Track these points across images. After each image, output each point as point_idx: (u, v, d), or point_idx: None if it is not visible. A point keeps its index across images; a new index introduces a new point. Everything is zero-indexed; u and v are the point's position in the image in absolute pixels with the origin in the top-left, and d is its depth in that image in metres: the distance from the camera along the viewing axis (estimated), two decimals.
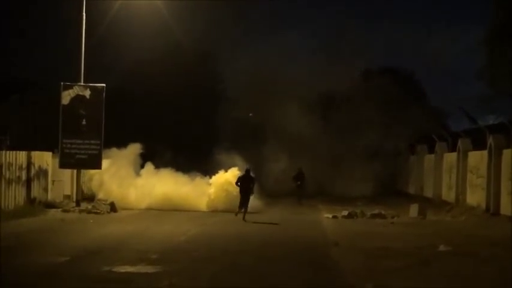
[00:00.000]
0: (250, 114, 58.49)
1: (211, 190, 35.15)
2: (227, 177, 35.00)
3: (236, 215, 29.97)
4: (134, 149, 36.87)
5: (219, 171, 35.82)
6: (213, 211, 33.62)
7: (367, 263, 18.19)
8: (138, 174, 36.47)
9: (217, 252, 20.01)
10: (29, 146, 33.36)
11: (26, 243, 20.89)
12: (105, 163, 34.42)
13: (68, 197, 34.88)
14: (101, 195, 34.49)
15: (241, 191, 30.31)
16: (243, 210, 29.94)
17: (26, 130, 40.19)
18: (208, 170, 36.88)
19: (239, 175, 31.73)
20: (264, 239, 23.30)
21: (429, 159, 44.34)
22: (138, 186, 35.41)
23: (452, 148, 39.00)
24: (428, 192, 43.02)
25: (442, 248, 20.42)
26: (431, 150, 44.15)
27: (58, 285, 15.08)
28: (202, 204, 34.80)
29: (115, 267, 16.75)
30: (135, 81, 49.10)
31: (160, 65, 49.33)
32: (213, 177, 35.72)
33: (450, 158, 38.77)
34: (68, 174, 35.05)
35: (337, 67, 50.14)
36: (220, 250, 20.43)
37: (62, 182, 34.99)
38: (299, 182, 41.08)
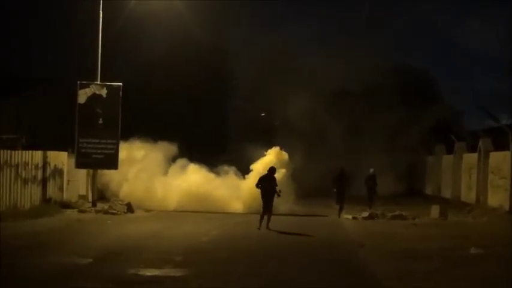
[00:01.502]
0: (263, 114, 58.19)
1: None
2: (271, 160, 33.93)
3: (259, 227, 25.52)
4: (164, 147, 36.24)
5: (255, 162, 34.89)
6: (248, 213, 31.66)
7: (398, 265, 17.74)
8: (166, 172, 35.94)
9: (241, 254, 19.61)
10: (43, 144, 32.99)
11: (46, 243, 20.51)
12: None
13: (83, 197, 34.54)
14: (121, 196, 33.58)
15: (263, 194, 26.14)
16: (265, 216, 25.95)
17: (40, 128, 39.76)
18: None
19: (261, 176, 27.27)
20: (286, 241, 22.88)
21: (447, 159, 43.86)
22: (164, 186, 34.73)
23: (472, 148, 38.52)
24: (446, 193, 42.54)
25: (473, 250, 19.90)
26: (449, 151, 43.64)
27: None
28: (237, 204, 33.75)
29: (140, 269, 16.33)
30: (149, 77, 48.69)
31: (174, 61, 48.98)
32: (253, 166, 34.61)
33: (470, 158, 38.27)
34: (82, 173, 34.71)
35: (352, 63, 49.62)
36: (244, 252, 20.04)
37: (77, 181, 34.60)
38: (339, 187, 32.57)
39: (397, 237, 23.79)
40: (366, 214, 31.53)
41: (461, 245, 21.15)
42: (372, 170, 35.20)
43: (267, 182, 26.14)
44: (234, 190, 34.34)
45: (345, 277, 16.37)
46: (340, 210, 32.08)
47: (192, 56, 50.90)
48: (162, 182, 34.93)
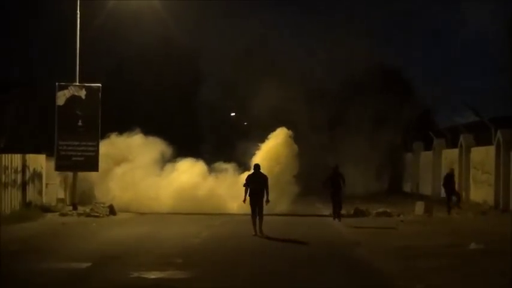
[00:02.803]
0: (232, 114, 57.97)
1: None
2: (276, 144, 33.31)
3: (254, 233, 23.15)
4: (155, 146, 35.73)
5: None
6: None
7: (402, 263, 17.46)
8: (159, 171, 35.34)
9: (240, 255, 19.30)
10: (19, 147, 32.40)
11: (39, 248, 20.08)
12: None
13: (61, 200, 33.96)
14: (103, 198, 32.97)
15: (251, 196, 23.33)
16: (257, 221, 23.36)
17: (16, 131, 39.04)
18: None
19: (248, 174, 24.94)
20: (279, 239, 22.46)
21: (426, 156, 43.90)
22: (154, 186, 33.92)
23: (452, 144, 38.55)
24: (425, 190, 42.55)
25: (473, 246, 19.70)
26: (427, 147, 43.67)
27: None
28: (232, 203, 31.95)
29: (143, 272, 15.93)
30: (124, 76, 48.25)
31: (146, 59, 48.65)
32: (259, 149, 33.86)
33: (450, 154, 38.31)
34: (61, 177, 34.16)
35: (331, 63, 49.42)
36: (242, 252, 19.73)
37: (55, 185, 34.02)
38: (334, 187, 28.69)
39: (391, 235, 23.65)
40: (351, 212, 31.32)
41: (459, 242, 20.97)
42: (334, 165, 29.61)
43: (256, 181, 23.41)
44: (230, 189, 33.06)
45: (356, 278, 16.07)
46: (338, 213, 28.87)
47: (163, 54, 50.46)
48: (152, 182, 34.19)
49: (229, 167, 35.34)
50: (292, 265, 17.52)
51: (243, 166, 34.49)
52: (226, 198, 32.93)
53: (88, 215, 30.13)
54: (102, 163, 32.67)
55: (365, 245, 21.14)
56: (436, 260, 17.76)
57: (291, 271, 16.66)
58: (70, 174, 33.34)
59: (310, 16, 54.22)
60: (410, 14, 57.23)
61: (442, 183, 33.12)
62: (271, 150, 33.79)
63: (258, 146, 34.55)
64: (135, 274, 15.76)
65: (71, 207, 31.89)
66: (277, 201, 29.04)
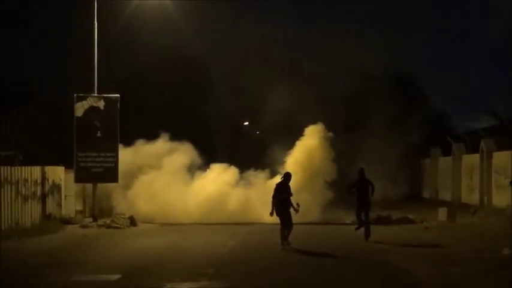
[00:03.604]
0: (257, 132, 57.52)
1: None
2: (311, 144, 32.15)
3: (282, 246, 21.82)
4: (184, 151, 35.00)
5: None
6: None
7: (439, 270, 17.22)
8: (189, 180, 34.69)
9: (270, 263, 19.05)
10: (36, 159, 32.18)
11: (63, 261, 19.77)
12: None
13: (80, 212, 33.72)
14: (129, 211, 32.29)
15: (277, 207, 22.03)
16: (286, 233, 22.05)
17: (32, 143, 38.85)
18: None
19: (277, 184, 22.72)
20: (306, 248, 22.05)
21: (444, 161, 43.59)
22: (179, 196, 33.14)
23: (471, 149, 38.25)
24: (445, 196, 42.22)
25: (506, 251, 19.41)
26: (445, 153, 43.35)
27: None
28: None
29: (176, 283, 15.72)
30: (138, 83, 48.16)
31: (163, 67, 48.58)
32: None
33: (470, 159, 38.01)
34: (78, 188, 33.91)
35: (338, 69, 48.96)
36: (271, 261, 19.49)
37: (73, 196, 33.81)
38: (361, 193, 24.07)
39: (419, 241, 23.30)
40: (373, 219, 30.83)
41: (490, 247, 20.68)
42: (360, 168, 24.92)
43: (283, 191, 22.06)
44: (260, 196, 30.96)
45: (395, 285, 15.80)
46: (366, 224, 24.32)
47: (175, 60, 50.39)
48: (178, 191, 33.42)
49: (259, 174, 34.60)
50: (324, 274, 17.29)
51: (272, 172, 33.55)
52: (257, 206, 31.55)
53: (109, 227, 29.87)
54: (126, 172, 32.49)
55: (394, 252, 20.84)
56: (471, 266, 17.52)
57: (324, 280, 16.41)
58: (88, 185, 33.04)
59: (324, 15, 53.37)
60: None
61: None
62: (305, 151, 32.79)
63: (288, 151, 33.58)
64: (169, 285, 15.53)
65: (90, 219, 31.60)
66: (307, 209, 28.34)
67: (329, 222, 31.16)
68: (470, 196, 37.40)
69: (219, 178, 34.05)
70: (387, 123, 46.66)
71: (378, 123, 46.85)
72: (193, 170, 34.82)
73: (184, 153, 34.67)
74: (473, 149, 37.86)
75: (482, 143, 35.22)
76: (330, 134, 33.74)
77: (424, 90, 56.39)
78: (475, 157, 36.60)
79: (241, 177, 34.53)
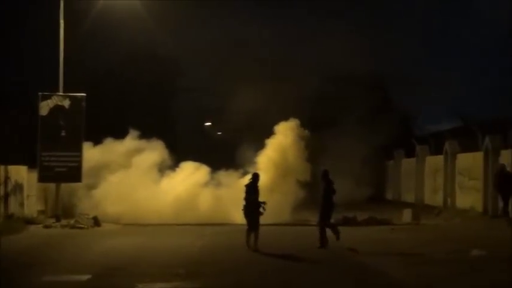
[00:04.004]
0: (219, 133, 57.36)
1: None
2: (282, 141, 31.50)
3: (248, 245, 21.54)
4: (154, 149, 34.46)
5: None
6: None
7: (414, 271, 17.22)
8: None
9: (240, 263, 18.99)
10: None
11: (35, 261, 19.37)
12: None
13: (42, 212, 33.29)
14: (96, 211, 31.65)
15: (246, 208, 21.70)
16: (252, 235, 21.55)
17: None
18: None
19: (246, 184, 22.26)
20: (276, 248, 21.88)
21: (407, 163, 43.81)
22: (149, 197, 32.37)
23: (435, 150, 38.51)
24: (407, 197, 42.47)
25: (475, 252, 19.54)
26: (409, 154, 43.58)
27: None
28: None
29: (149, 284, 15.57)
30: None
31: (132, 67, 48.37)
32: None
33: (434, 160, 38.26)
34: (40, 188, 33.47)
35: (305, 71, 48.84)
36: (241, 261, 19.39)
37: (35, 196, 33.38)
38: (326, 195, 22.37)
39: (389, 243, 23.34)
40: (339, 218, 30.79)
41: (459, 248, 20.83)
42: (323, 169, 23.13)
43: (252, 192, 21.63)
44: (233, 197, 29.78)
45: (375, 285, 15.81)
46: (332, 226, 23.08)
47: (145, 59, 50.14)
48: (147, 191, 32.82)
49: (230, 173, 34.31)
50: (295, 273, 17.25)
51: (244, 172, 32.71)
52: (228, 206, 30.86)
53: (72, 227, 29.49)
54: (93, 171, 32.29)
55: (366, 252, 20.80)
56: (445, 267, 17.59)
57: (295, 280, 16.35)
58: (51, 185, 32.63)
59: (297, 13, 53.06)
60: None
61: (495, 183, 29.11)
62: (278, 149, 32.40)
63: (259, 151, 33.36)
64: (140, 285, 15.38)
65: (53, 219, 31.18)
66: (279, 209, 28.21)
67: (298, 224, 31.00)
68: (434, 197, 37.66)
69: (188, 178, 33.64)
70: (353, 125, 46.79)
71: (344, 124, 46.95)
72: (163, 169, 34.45)
73: (154, 152, 34.24)
74: (437, 150, 38.10)
75: (446, 145, 35.47)
76: (306, 131, 33.24)
77: (390, 92, 56.64)
78: (439, 159, 36.86)
79: (211, 177, 34.19)
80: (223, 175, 34.16)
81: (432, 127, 47.51)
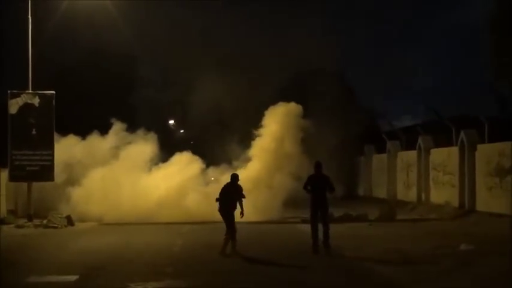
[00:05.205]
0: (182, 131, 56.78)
1: None
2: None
3: (223, 251, 19.82)
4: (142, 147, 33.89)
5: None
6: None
7: (403, 267, 17.11)
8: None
9: (226, 261, 18.71)
10: None
11: (15, 262, 18.92)
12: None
13: (11, 211, 32.65)
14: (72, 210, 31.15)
15: (221, 210, 20.34)
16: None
17: None
18: None
19: (224, 186, 20.89)
20: (257, 247, 21.62)
21: (378, 158, 43.73)
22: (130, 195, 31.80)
23: (407, 146, 38.48)
24: (379, 193, 42.37)
25: (463, 247, 19.45)
26: (379, 150, 43.52)
27: None
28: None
29: (140, 283, 15.24)
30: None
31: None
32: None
33: (406, 156, 38.17)
34: (8, 187, 32.81)
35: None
36: (227, 260, 19.07)
37: (4, 196, 32.74)
38: (316, 191, 20.46)
39: (368, 238, 23.22)
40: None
41: (445, 243, 20.72)
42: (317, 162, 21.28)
43: (229, 193, 20.35)
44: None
45: (366, 283, 15.60)
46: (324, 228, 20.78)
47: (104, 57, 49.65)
48: (126, 189, 32.25)
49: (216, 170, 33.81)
50: (294, 273, 17.00)
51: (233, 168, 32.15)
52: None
53: (46, 226, 28.97)
54: (68, 169, 32.01)
55: (351, 250, 20.43)
56: (435, 262, 17.43)
57: (297, 279, 16.09)
58: (23, 184, 32.03)
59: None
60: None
61: None
62: (273, 139, 31.89)
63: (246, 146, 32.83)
64: (132, 285, 15.05)
65: (24, 219, 30.61)
66: (269, 205, 27.75)
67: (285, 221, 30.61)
68: (407, 193, 37.59)
69: (178, 173, 33.18)
70: (322, 120, 46.40)
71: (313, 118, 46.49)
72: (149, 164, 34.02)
73: (141, 146, 33.82)
74: (409, 145, 38.03)
75: (420, 140, 35.39)
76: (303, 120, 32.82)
77: (359, 88, 56.60)
78: (412, 154, 36.78)
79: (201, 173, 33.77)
80: (210, 171, 33.82)
81: (398, 123, 47.49)
